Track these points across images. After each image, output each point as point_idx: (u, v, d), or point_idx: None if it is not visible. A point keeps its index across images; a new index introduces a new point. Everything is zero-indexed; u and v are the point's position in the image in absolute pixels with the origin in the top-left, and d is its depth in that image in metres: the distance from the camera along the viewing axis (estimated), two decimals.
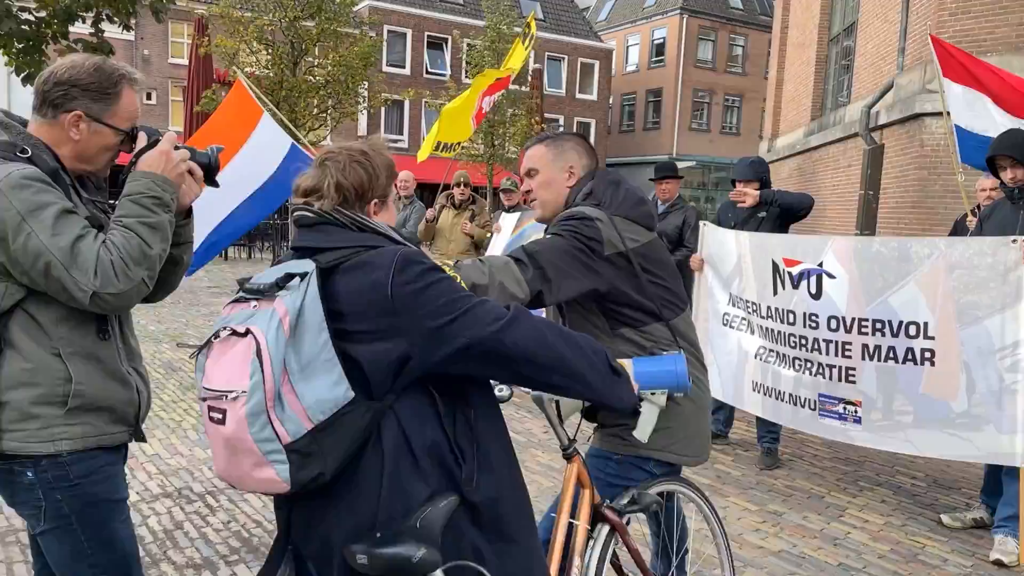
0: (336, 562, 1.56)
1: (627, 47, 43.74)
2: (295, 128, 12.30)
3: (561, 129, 37.62)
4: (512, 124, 19.58)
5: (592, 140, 39.07)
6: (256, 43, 11.45)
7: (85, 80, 1.84)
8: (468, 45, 26.42)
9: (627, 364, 1.92)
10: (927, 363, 3.77)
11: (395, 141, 33.83)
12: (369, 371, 1.55)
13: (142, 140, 1.89)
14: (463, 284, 1.79)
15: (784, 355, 4.33)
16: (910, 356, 3.81)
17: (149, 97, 28.06)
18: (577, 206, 2.26)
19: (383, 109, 29.16)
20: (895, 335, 3.84)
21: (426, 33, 34.17)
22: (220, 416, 1.50)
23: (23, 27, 12.53)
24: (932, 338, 3.75)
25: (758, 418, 4.94)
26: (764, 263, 4.40)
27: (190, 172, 1.90)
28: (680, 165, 5.32)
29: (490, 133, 20.10)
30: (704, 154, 41.14)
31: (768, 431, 4.90)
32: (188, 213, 1.98)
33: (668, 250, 5.39)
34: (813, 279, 4.15)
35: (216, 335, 1.56)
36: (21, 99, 24.71)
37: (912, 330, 3.79)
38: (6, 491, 1.85)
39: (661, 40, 41.87)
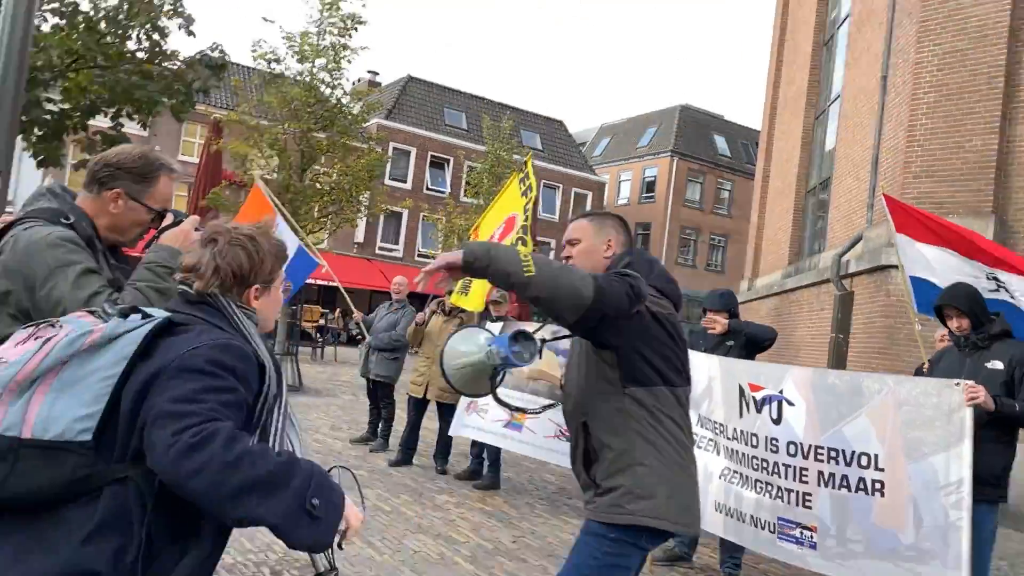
0: None
1: (619, 182, 45.73)
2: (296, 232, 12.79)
3: (552, 252, 38.73)
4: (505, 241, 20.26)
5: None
6: (269, 148, 12.08)
7: (129, 164, 2.20)
8: (469, 167, 27.58)
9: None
10: (877, 493, 3.98)
11: (390, 250, 34.67)
12: (121, 431, 1.49)
13: (168, 219, 2.22)
14: (531, 266, 2.09)
15: (747, 476, 4.53)
16: (862, 485, 4.03)
17: None
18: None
19: (381, 218, 29.99)
20: (848, 464, 4.07)
21: (429, 152, 35.71)
22: None
23: (45, 116, 13.15)
24: (882, 469, 3.98)
25: (721, 543, 5.08)
26: (731, 386, 4.68)
27: None
28: None
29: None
30: (689, 288, 42.12)
31: (731, 556, 5.02)
32: None
33: None
34: (775, 404, 4.42)
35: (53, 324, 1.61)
36: (30, 178, 25.22)
37: (864, 460, 4.03)
38: None
39: (652, 178, 43.88)
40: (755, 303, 16.06)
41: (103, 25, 12.72)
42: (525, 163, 7.59)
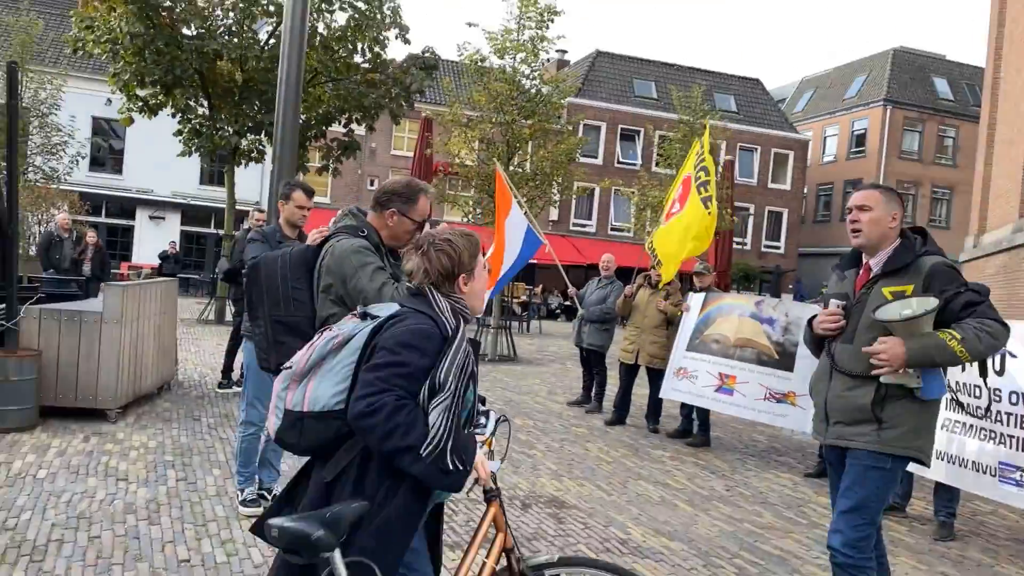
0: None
1: (824, 137, 43.13)
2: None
3: (751, 218, 37.57)
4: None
5: (784, 229, 38.74)
6: (479, 142, 13.19)
7: (399, 190, 3.03)
8: (661, 137, 27.52)
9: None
10: None
11: (584, 226, 35.48)
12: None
13: (426, 227, 2.98)
14: (965, 354, 2.67)
15: (969, 425, 4.73)
16: None
17: (372, 184, 31.69)
18: (930, 255, 2.94)
19: (574, 196, 30.72)
20: None
21: (619, 126, 35.92)
22: None
23: None
24: None
25: (936, 493, 5.26)
26: None
27: None
28: None
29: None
30: None
31: (945, 505, 5.19)
32: None
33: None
34: (998, 357, 4.57)
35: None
36: (243, 180, 28.32)
37: None
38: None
39: (862, 131, 40.95)
40: (980, 261, 14.97)
41: (335, 44, 14.53)
42: (702, 140, 7.81)
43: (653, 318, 7.91)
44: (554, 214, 33.33)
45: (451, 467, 2.07)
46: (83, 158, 25.09)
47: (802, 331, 6.29)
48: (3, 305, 6.18)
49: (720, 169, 22.82)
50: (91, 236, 12.85)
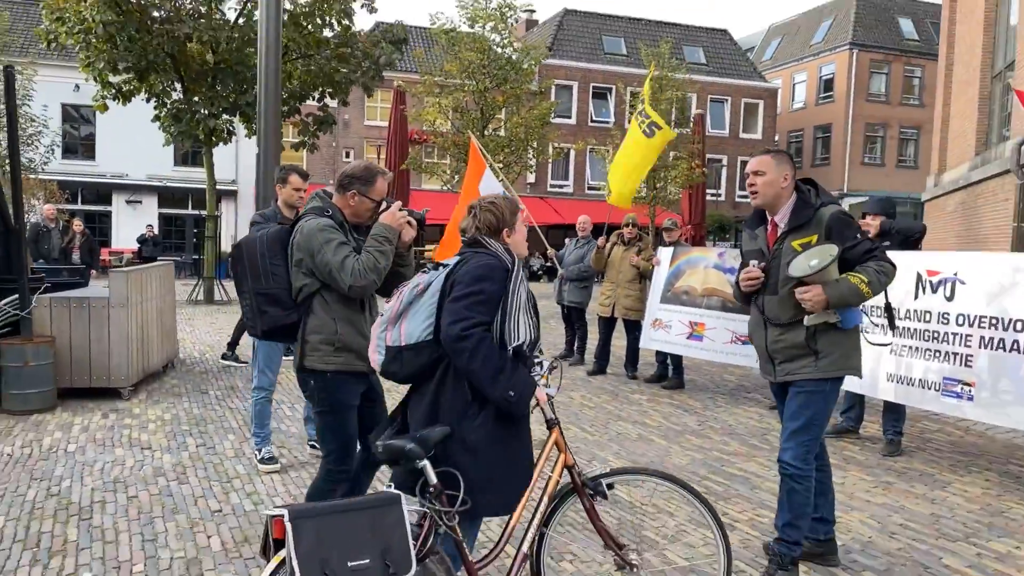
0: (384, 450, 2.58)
1: (793, 84, 43.52)
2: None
3: (724, 169, 38.10)
4: (673, 168, 20.72)
5: None
6: (452, 111, 13.51)
7: (358, 173, 3.44)
8: (632, 94, 27.77)
9: None
10: None
11: (562, 186, 35.84)
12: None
13: (383, 206, 3.41)
14: (868, 290, 3.11)
15: (917, 348, 5.32)
16: (1016, 346, 4.70)
17: (348, 155, 31.79)
18: (825, 205, 3.36)
19: (551, 157, 30.99)
20: (1006, 328, 4.76)
21: (591, 84, 36.10)
22: None
23: None
24: None
25: (884, 414, 5.85)
26: (909, 275, 5.41)
27: (408, 223, 3.38)
28: (852, 200, 6.31)
29: (652, 177, 21.32)
30: (878, 189, 39.80)
31: (892, 425, 5.78)
32: (409, 248, 3.48)
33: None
34: (949, 284, 5.15)
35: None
36: (247, 161, 28.55)
37: (1019, 325, 4.70)
38: (304, 388, 3.42)
39: (830, 76, 41.33)
40: (941, 199, 15.60)
41: (303, 19, 14.69)
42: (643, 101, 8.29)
43: (627, 273, 8.41)
44: (531, 177, 33.62)
45: (514, 398, 2.60)
46: (58, 147, 25.03)
47: None
48: (16, 296, 6.56)
49: (692, 124, 23.25)
50: (77, 225, 13.12)
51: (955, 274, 5.12)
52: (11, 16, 24.37)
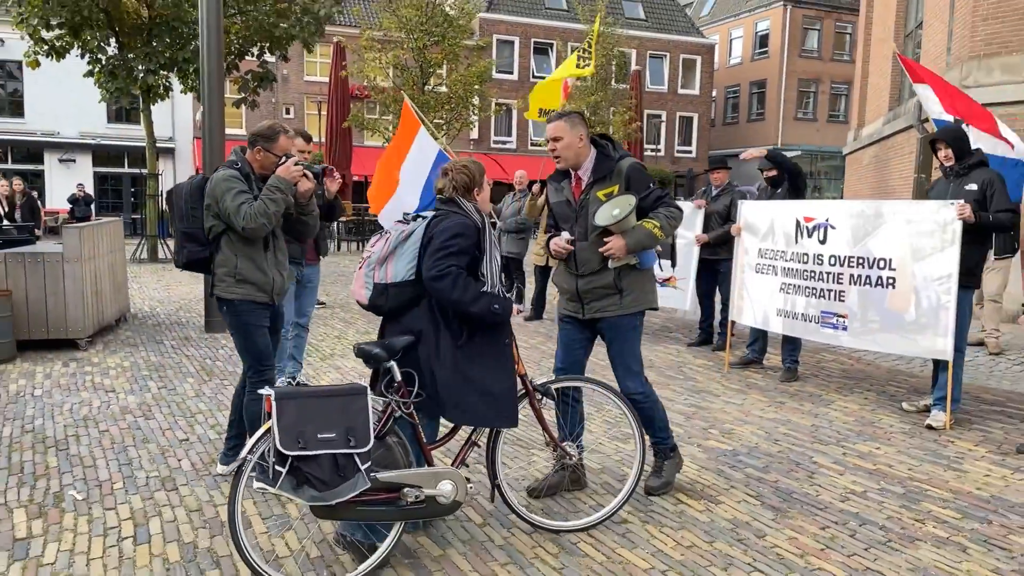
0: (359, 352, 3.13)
1: (731, 40, 44.32)
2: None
3: (664, 125, 38.86)
4: (609, 124, 21.28)
5: (695, 133, 40.24)
6: (392, 68, 13.74)
7: (263, 132, 3.97)
8: (572, 49, 28.06)
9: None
10: (890, 286, 5.36)
11: (505, 142, 36.12)
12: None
13: (282, 161, 3.91)
14: (660, 233, 3.55)
15: (799, 286, 6.00)
16: (880, 282, 5.42)
17: (288, 111, 31.43)
18: (623, 158, 3.75)
19: (492, 114, 31.16)
20: (871, 267, 5.47)
21: (532, 40, 36.20)
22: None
23: None
24: (895, 269, 5.34)
25: (782, 345, 6.59)
26: (789, 221, 6.08)
27: (305, 176, 3.91)
28: (787, 154, 6.94)
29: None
30: (810, 143, 41.24)
31: (789, 354, 6.53)
32: (309, 198, 4.03)
33: (719, 223, 7.08)
34: (822, 229, 5.82)
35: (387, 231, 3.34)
36: (184, 118, 28.09)
37: (881, 264, 5.41)
38: (223, 314, 4.01)
39: (765, 32, 42.21)
40: (859, 152, 16.53)
41: None
42: (589, 41, 9.04)
43: None
44: (474, 133, 33.80)
45: (499, 308, 3.16)
46: None
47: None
48: None
49: (629, 80, 23.74)
50: (18, 184, 13.04)
51: (827, 220, 5.80)
52: None
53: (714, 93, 42.63)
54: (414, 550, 3.34)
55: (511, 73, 35.68)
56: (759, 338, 6.88)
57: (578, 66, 9.00)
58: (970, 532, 3.56)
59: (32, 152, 28.54)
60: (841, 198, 26.73)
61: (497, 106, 26.21)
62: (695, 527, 3.61)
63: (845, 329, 5.65)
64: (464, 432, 3.45)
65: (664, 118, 39.47)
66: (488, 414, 3.23)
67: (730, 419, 5.35)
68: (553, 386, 3.58)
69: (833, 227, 5.78)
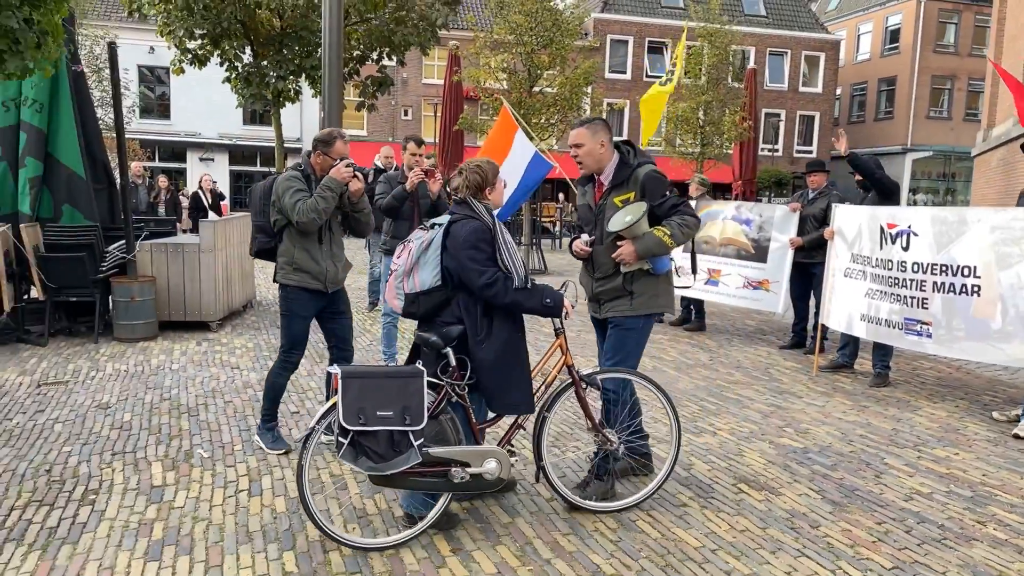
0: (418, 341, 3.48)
1: (858, 36, 42.41)
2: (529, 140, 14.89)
3: (783, 124, 37.71)
4: (719, 123, 21.00)
5: (816, 132, 38.79)
6: (501, 72, 14.24)
7: (322, 138, 4.49)
8: (688, 46, 27.72)
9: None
10: (975, 294, 5.29)
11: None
12: (449, 275, 3.42)
13: (337, 163, 4.35)
14: (670, 241, 3.70)
15: (884, 292, 5.98)
16: (964, 289, 5.35)
17: (407, 113, 32.72)
18: (641, 165, 3.88)
19: (604, 113, 31.25)
20: (955, 274, 5.41)
21: (647, 39, 36.01)
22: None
23: None
24: (980, 277, 5.27)
25: (873, 350, 6.54)
26: (875, 227, 6.07)
27: (356, 177, 4.35)
28: (915, 156, 7.00)
29: (701, 132, 21.64)
30: (943, 143, 38.95)
31: (880, 359, 6.47)
32: (360, 197, 4.48)
33: (815, 227, 7.07)
34: (904, 236, 5.79)
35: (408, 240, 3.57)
36: (311, 120, 29.71)
37: (966, 271, 5.34)
38: (279, 299, 4.57)
39: (896, 26, 40.15)
40: (988, 154, 15.68)
41: None
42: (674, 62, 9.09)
43: None
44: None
45: (550, 302, 3.47)
46: (138, 107, 26.62)
47: (775, 228, 7.52)
48: (123, 242, 7.71)
49: (744, 79, 23.28)
50: (163, 181, 14.39)
51: (909, 226, 5.74)
52: None
53: (839, 91, 40.97)
54: (485, 516, 3.71)
55: (624, 73, 35.63)
56: (850, 343, 6.84)
57: (663, 83, 9.23)
58: None
59: (176, 151, 31.05)
60: (968, 203, 25.18)
61: (609, 106, 26.37)
62: (751, 514, 3.79)
63: (930, 336, 5.59)
64: (511, 416, 3.72)
65: (783, 117, 38.34)
66: (506, 401, 3.49)
67: (808, 419, 5.43)
68: (597, 376, 3.81)
69: (916, 234, 5.72)
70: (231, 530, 3.55)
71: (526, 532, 3.56)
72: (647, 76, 35.62)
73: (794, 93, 38.48)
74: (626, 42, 35.82)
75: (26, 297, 7.74)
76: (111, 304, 7.70)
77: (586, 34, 35.40)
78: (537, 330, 8.11)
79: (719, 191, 32.43)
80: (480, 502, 3.87)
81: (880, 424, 5.33)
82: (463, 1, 17.03)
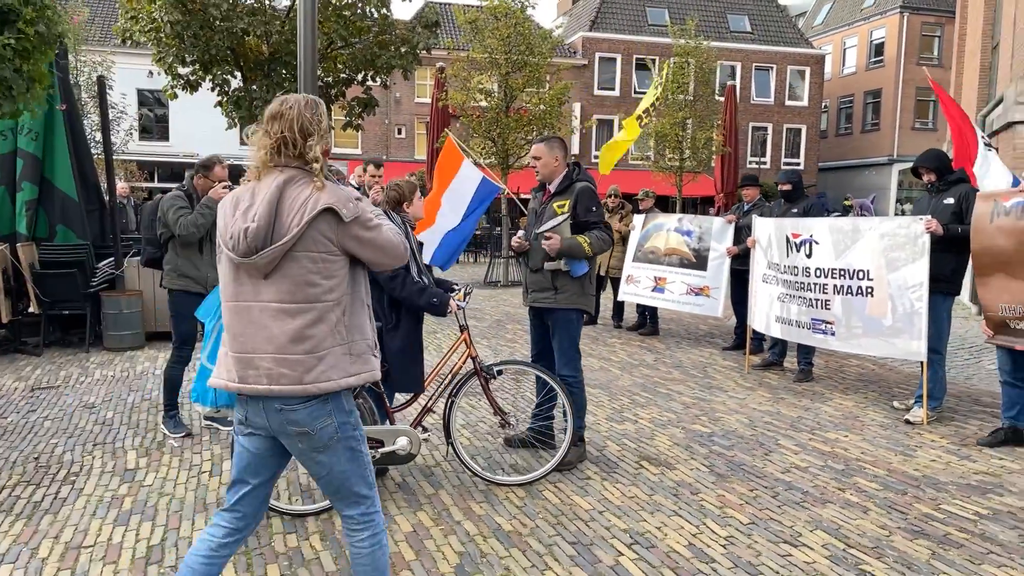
0: None
1: (844, 49, 43.22)
2: (507, 157, 15.54)
3: (769, 136, 38.40)
4: (697, 138, 21.65)
5: (803, 146, 39.50)
6: (478, 95, 14.92)
7: (203, 162, 5.27)
8: (674, 63, 28.38)
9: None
10: (869, 295, 5.88)
11: None
12: None
13: (216, 186, 5.08)
14: (588, 248, 4.33)
15: (792, 295, 6.56)
16: (860, 291, 5.94)
17: (400, 132, 33.45)
18: (580, 181, 4.54)
19: (594, 128, 31.82)
20: (851, 278, 5.99)
21: (634, 56, 36.77)
22: None
23: (319, 92, 16.74)
24: (872, 279, 5.86)
25: (798, 348, 7.10)
26: (782, 237, 6.67)
27: None
28: (901, 166, 7.43)
29: (678, 148, 22.31)
30: None
31: (804, 357, 7.04)
32: None
33: (748, 237, 7.57)
34: (807, 244, 6.38)
35: None
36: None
37: (860, 274, 5.93)
38: (168, 303, 5.30)
39: (880, 40, 40.98)
40: None
41: (346, 11, 16.21)
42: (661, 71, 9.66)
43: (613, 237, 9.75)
44: (576, 148, 34.71)
45: (436, 302, 4.11)
46: (136, 130, 27.37)
47: (713, 238, 8.10)
48: (111, 259, 8.32)
49: (723, 96, 23.98)
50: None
51: (811, 236, 6.34)
52: (91, 11, 26.60)
53: (826, 104, 41.73)
54: (413, 489, 4.29)
55: (613, 89, 36.38)
56: (779, 342, 7.41)
57: (641, 118, 9.89)
58: (881, 499, 4.14)
59: (175, 171, 31.73)
60: None
61: (598, 121, 27.02)
62: (644, 484, 4.37)
63: (833, 334, 6.17)
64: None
65: (770, 131, 39.03)
66: (404, 382, 4.16)
67: (724, 409, 6.00)
68: (496, 367, 4.47)
69: (817, 242, 6.32)
70: (190, 502, 4.14)
71: (445, 501, 4.14)
72: (635, 92, 36.35)
73: (780, 107, 39.22)
74: (614, 60, 36.58)
75: (23, 311, 8.36)
76: (101, 317, 8.30)
77: (574, 52, 36.22)
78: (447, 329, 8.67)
79: (703, 204, 33.08)
80: (412, 478, 4.44)
81: (788, 412, 5.91)
82: (440, 25, 17.68)
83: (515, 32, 14.66)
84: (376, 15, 17.05)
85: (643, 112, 9.65)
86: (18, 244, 8.12)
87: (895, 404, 6.07)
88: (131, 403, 6.14)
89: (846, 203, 29.30)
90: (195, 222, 5.02)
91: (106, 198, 8.95)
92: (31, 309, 8.25)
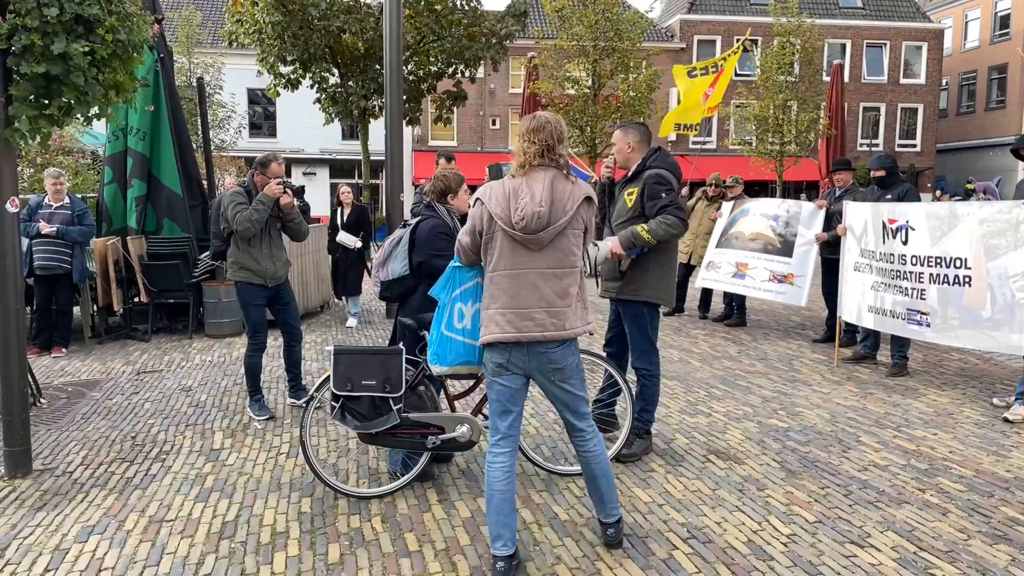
0: (399, 326, 4.27)
1: (966, 22, 40.39)
2: (595, 146, 15.41)
3: (883, 117, 36.41)
4: (799, 121, 20.80)
5: (919, 126, 37.22)
6: (567, 83, 14.86)
7: (260, 160, 5.37)
8: (780, 45, 27.32)
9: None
10: (967, 285, 5.51)
11: (705, 142, 35.84)
12: (415, 266, 4.16)
13: (271, 183, 5.19)
14: (649, 237, 4.27)
15: (887, 284, 6.23)
16: (957, 280, 5.58)
17: (494, 123, 33.72)
18: (650, 168, 4.40)
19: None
20: (948, 266, 5.64)
21: (735, 37, 35.58)
22: None
23: (410, 85, 17.14)
24: (970, 268, 5.49)
25: (891, 341, 6.74)
26: (878, 223, 6.33)
27: (286, 192, 5.21)
28: None
29: (779, 131, 21.48)
30: None
31: (898, 350, 6.67)
32: (292, 208, 5.40)
33: (837, 222, 7.25)
34: (903, 231, 6.04)
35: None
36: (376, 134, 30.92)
37: (958, 263, 5.57)
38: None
39: (1006, 11, 38.04)
40: None
41: (437, 5, 16.49)
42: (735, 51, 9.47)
43: (706, 226, 9.49)
44: (672, 135, 33.90)
45: None
46: (245, 127, 28.77)
47: (801, 224, 7.79)
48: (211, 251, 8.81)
49: (828, 76, 22.93)
50: None
51: (907, 221, 5.98)
52: (202, 15, 28.10)
53: (946, 81, 39.16)
54: (475, 476, 4.35)
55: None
56: (871, 334, 7.05)
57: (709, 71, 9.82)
58: (963, 501, 3.90)
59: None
60: None
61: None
62: (708, 479, 4.27)
63: (928, 326, 5.82)
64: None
65: (883, 111, 36.97)
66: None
67: (805, 404, 5.77)
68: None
69: (913, 228, 5.97)
70: (266, 482, 4.35)
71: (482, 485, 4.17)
72: (736, 75, 35.13)
73: (895, 85, 37.08)
74: (713, 42, 35.56)
75: (134, 300, 8.97)
76: (203, 305, 8.81)
77: (671, 36, 35.40)
78: None
79: (809, 189, 31.69)
80: (476, 465, 4.51)
81: (874, 408, 5.62)
82: (528, 15, 17.69)
83: (603, 18, 14.46)
84: (466, 7, 17.29)
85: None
86: (128, 237, 8.71)
87: (994, 401, 5.68)
88: (224, 387, 6.50)
89: (968, 186, 27.48)
90: (250, 217, 5.20)
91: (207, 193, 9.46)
92: (140, 298, 8.85)
